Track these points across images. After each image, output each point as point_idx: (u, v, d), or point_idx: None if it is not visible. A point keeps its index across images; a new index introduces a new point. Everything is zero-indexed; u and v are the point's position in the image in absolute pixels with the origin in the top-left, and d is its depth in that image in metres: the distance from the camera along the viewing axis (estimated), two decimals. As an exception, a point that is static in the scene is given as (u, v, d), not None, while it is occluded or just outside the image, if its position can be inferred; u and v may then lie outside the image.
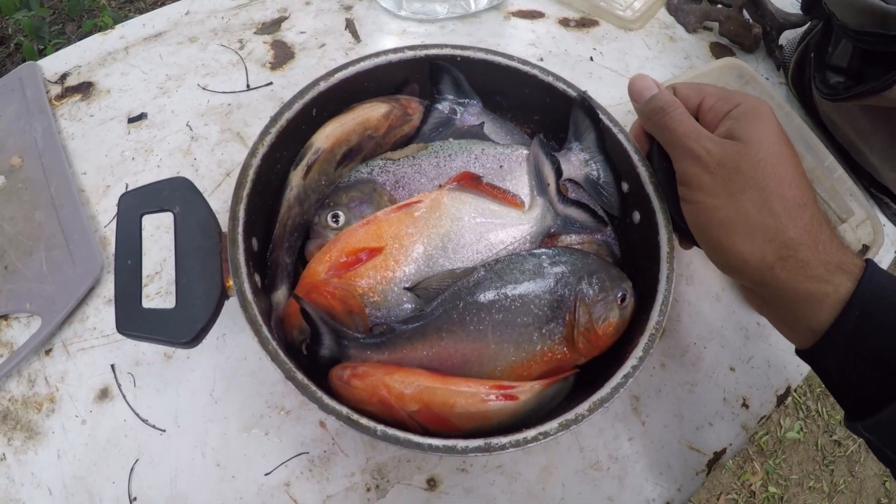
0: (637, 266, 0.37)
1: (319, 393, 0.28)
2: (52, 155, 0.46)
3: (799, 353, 0.32)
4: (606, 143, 0.39)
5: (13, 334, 0.40)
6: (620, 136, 0.38)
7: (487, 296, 0.32)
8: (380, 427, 0.27)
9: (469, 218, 0.35)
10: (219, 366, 0.39)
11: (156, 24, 0.55)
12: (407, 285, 0.33)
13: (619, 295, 0.34)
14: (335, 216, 0.36)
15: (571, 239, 0.38)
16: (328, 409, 0.27)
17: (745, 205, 0.30)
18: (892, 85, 0.39)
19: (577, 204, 0.38)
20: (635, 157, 0.37)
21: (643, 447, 0.39)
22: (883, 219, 0.51)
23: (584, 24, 0.59)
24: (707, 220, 0.31)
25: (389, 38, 0.55)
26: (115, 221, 0.44)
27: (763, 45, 0.59)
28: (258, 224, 0.34)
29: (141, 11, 1.24)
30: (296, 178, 0.36)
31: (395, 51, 0.39)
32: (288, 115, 0.35)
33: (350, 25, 0.55)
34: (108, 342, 0.40)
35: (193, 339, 0.30)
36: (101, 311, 0.41)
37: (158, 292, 0.42)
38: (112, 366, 0.39)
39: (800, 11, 0.55)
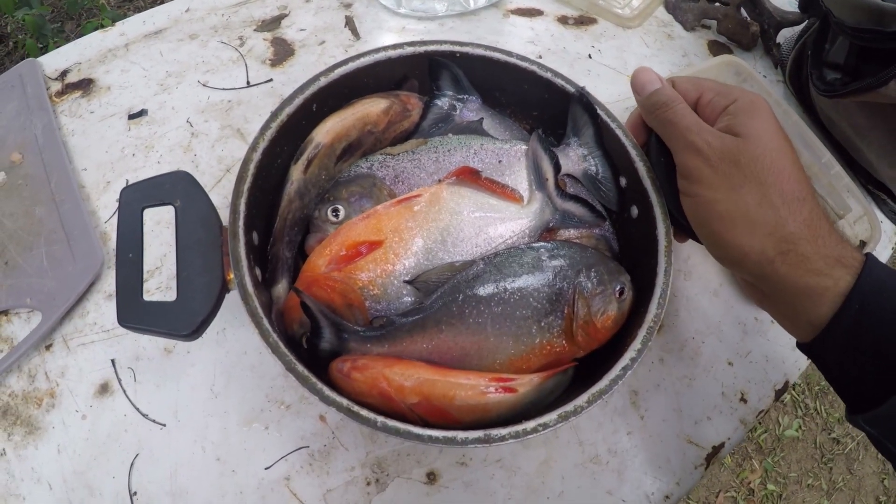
0: (635, 260, 0.37)
1: (320, 385, 0.28)
2: (53, 151, 0.46)
3: (800, 346, 0.32)
4: (604, 139, 0.39)
5: (13, 329, 0.40)
6: (618, 132, 0.38)
7: (486, 289, 0.32)
8: (380, 418, 0.28)
9: (468, 212, 0.35)
10: (219, 360, 0.40)
11: (156, 21, 0.55)
12: (407, 278, 0.33)
13: (617, 288, 0.34)
14: (335, 210, 0.36)
15: (570, 233, 0.39)
16: (329, 400, 0.28)
17: (745, 199, 0.30)
18: (888, 81, 0.39)
19: (576, 199, 0.38)
20: (633, 153, 0.37)
21: (642, 441, 0.40)
22: (880, 215, 0.52)
23: (583, 21, 0.59)
24: (707, 214, 0.31)
25: (389, 35, 0.55)
26: (115, 217, 0.44)
27: (761, 43, 0.59)
28: (258, 218, 0.34)
29: (139, 10, 1.24)
30: (296, 172, 0.36)
31: (394, 47, 0.39)
32: (288, 109, 0.35)
33: (350, 23, 0.56)
34: (108, 337, 0.40)
35: (194, 332, 0.30)
36: (102, 307, 0.41)
37: (158, 287, 0.42)
38: (112, 361, 0.40)
39: (797, 10, 0.55)
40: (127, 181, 0.46)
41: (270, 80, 0.51)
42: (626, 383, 0.39)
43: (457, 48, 0.40)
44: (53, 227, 0.43)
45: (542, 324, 0.33)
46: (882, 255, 0.49)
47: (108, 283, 0.42)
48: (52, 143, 0.47)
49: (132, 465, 0.37)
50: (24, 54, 1.11)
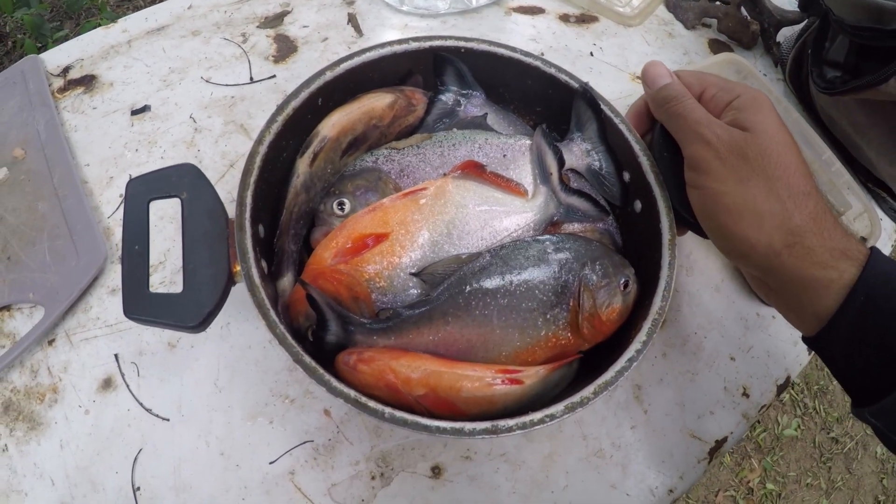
0: (639, 254, 0.37)
1: (327, 376, 0.28)
2: (55, 146, 0.46)
3: (805, 341, 0.32)
4: (608, 134, 0.39)
5: (16, 325, 0.40)
6: (622, 127, 0.38)
7: (493, 281, 0.32)
8: (387, 409, 0.28)
9: (473, 205, 0.35)
10: (223, 355, 0.39)
11: (158, 18, 0.56)
12: (413, 271, 0.33)
13: (622, 281, 0.34)
14: (341, 204, 0.36)
15: (574, 228, 0.39)
16: (336, 391, 0.28)
17: (753, 191, 0.30)
18: (888, 78, 0.40)
19: (580, 193, 0.39)
20: (636, 148, 0.37)
21: (645, 435, 0.40)
22: (880, 213, 0.52)
23: (584, 20, 0.59)
24: (715, 206, 0.31)
25: (391, 32, 0.56)
26: (118, 213, 0.44)
27: (761, 42, 0.60)
28: (264, 212, 0.34)
29: (138, 10, 1.24)
30: (302, 165, 0.36)
31: (400, 42, 0.39)
32: (294, 103, 0.35)
33: (352, 20, 0.56)
34: (111, 332, 0.40)
35: (201, 324, 0.30)
36: (105, 301, 0.41)
37: (162, 283, 0.42)
38: (115, 355, 0.39)
39: (797, 9, 0.56)
40: (130, 176, 0.46)
41: (273, 76, 0.51)
42: (630, 377, 0.39)
43: (461, 44, 0.40)
44: (56, 222, 0.43)
45: (548, 316, 0.33)
46: (882, 251, 0.50)
47: (112, 277, 0.42)
48: (54, 139, 0.47)
49: (135, 460, 0.36)
50: (23, 54, 1.11)
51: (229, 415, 0.38)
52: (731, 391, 0.42)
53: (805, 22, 0.56)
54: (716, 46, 0.59)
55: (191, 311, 0.30)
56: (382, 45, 0.39)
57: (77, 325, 0.40)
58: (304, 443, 0.37)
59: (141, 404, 0.38)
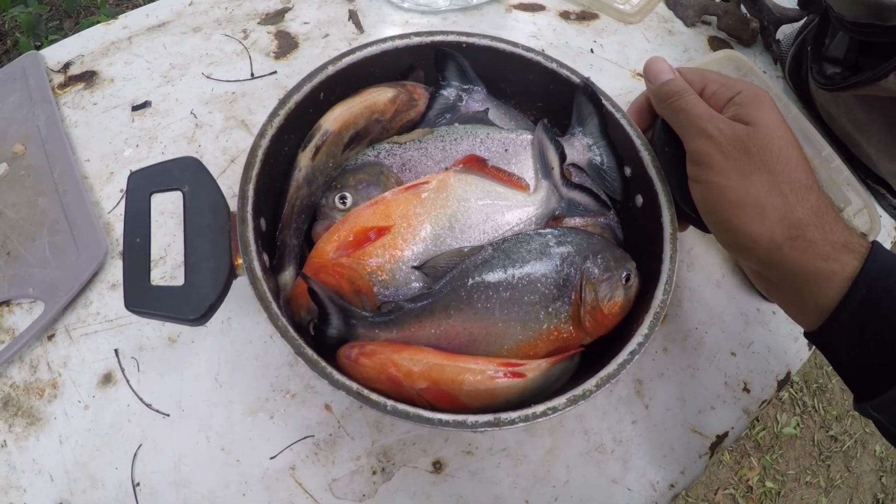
0: (640, 248, 0.37)
1: (329, 369, 0.28)
2: (56, 142, 0.46)
3: (807, 335, 0.32)
4: (609, 129, 0.39)
5: (15, 320, 0.40)
6: (623, 122, 0.38)
7: (495, 274, 0.32)
8: (390, 402, 0.28)
9: (475, 199, 0.35)
10: (223, 349, 0.39)
11: (159, 14, 0.55)
12: (415, 264, 0.33)
13: (623, 275, 0.34)
14: (343, 198, 0.36)
15: (575, 222, 0.39)
16: (338, 384, 0.28)
17: (755, 185, 0.30)
18: (888, 74, 0.40)
19: (581, 188, 0.39)
20: (638, 142, 0.37)
21: (646, 430, 0.40)
22: (879, 209, 0.52)
23: (585, 17, 0.59)
24: (717, 200, 0.31)
25: (392, 28, 0.56)
26: (118, 207, 0.44)
27: (760, 40, 0.60)
28: (266, 205, 0.34)
29: (137, 7, 1.24)
30: (304, 159, 0.36)
31: (401, 37, 0.39)
32: (296, 97, 0.35)
33: (353, 16, 0.56)
34: (111, 327, 0.40)
35: (202, 317, 0.30)
36: (105, 296, 0.41)
37: (163, 277, 0.42)
38: (115, 350, 0.39)
39: (796, 6, 0.56)
40: (130, 171, 0.46)
41: (275, 72, 0.51)
42: (631, 372, 0.39)
43: (463, 39, 0.40)
44: (56, 217, 0.43)
45: (550, 309, 0.33)
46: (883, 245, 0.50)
47: (112, 272, 0.42)
48: (54, 134, 0.46)
49: (135, 455, 0.36)
50: (20, 52, 1.11)
51: (230, 410, 0.38)
52: (732, 386, 0.42)
53: (804, 19, 0.56)
54: (715, 44, 0.59)
55: (192, 304, 0.29)
56: (384, 40, 0.39)
57: (77, 320, 0.40)
58: (305, 438, 0.37)
59: (141, 399, 0.38)
